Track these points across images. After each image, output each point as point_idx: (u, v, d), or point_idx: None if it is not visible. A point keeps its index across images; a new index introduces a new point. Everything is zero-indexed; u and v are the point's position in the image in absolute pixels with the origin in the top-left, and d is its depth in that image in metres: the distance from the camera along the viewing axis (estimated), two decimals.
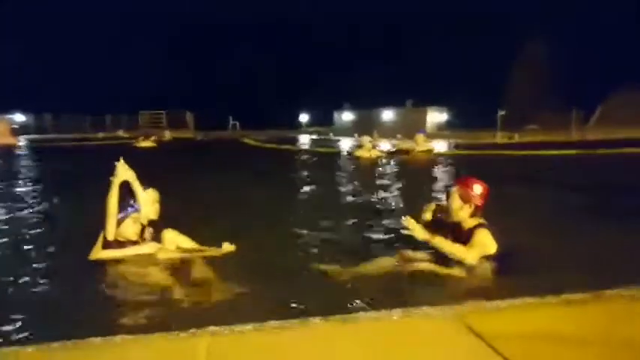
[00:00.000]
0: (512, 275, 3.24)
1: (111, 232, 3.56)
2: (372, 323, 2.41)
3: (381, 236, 4.50)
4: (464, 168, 10.56)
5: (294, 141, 23.02)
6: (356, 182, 8.86)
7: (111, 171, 3.62)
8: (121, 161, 3.67)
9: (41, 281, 3.36)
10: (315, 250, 4.07)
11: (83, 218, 4.39)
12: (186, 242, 3.80)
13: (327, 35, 47.46)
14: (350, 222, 5.16)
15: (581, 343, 2.12)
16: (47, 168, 12.45)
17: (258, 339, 2.22)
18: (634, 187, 6.83)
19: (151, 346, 2.17)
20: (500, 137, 20.86)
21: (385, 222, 5.02)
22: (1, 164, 13.71)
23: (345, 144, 19.83)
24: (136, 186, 3.70)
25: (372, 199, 6.75)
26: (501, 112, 23.02)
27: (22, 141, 24.34)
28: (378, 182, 8.54)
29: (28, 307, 2.97)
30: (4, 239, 4.59)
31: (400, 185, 8.23)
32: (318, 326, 2.33)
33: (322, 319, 2.39)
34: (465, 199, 3.48)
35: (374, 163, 11.87)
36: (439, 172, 10.40)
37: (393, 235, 4.39)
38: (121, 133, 28.27)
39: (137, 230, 3.68)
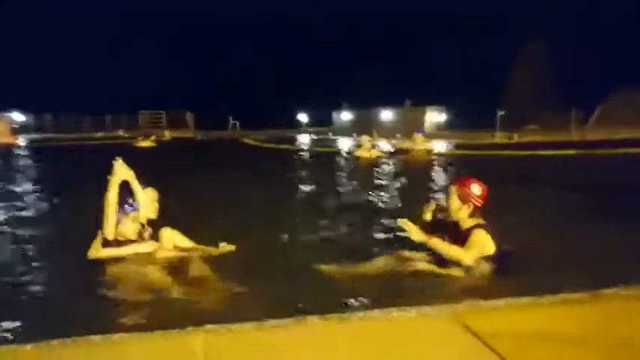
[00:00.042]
0: (510, 275, 3.25)
1: (110, 231, 3.57)
2: (369, 322, 2.42)
3: (379, 236, 4.50)
4: (463, 168, 10.56)
5: (293, 141, 23.01)
6: (355, 182, 8.87)
7: (109, 170, 3.63)
8: (119, 160, 3.67)
9: (40, 280, 3.37)
10: (314, 250, 4.07)
11: (83, 217, 4.40)
12: (184, 241, 3.81)
13: (327, 35, 47.40)
14: (348, 222, 5.17)
15: (578, 343, 2.13)
16: (47, 167, 12.45)
17: (255, 337, 2.22)
18: (633, 188, 6.83)
19: (149, 344, 2.18)
20: (499, 137, 20.87)
21: (384, 222, 5.03)
22: (0, 164, 13.71)
23: (344, 144, 19.82)
24: (135, 185, 3.71)
25: (371, 199, 6.76)
26: (501, 112, 23.00)
27: (21, 140, 24.33)
28: (377, 182, 8.55)
29: (27, 305, 2.99)
30: (4, 238, 4.60)
31: (399, 185, 8.24)
32: (315, 325, 2.34)
33: (320, 317, 2.39)
34: (464, 199, 3.49)
35: (373, 162, 11.87)
36: (438, 172, 10.41)
37: (391, 234, 4.40)
38: (120, 132, 28.29)
39: (136, 229, 3.69)
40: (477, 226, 3.44)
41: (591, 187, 7.17)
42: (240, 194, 7.24)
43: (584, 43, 30.88)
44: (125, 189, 3.66)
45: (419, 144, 13.64)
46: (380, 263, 3.55)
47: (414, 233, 3.46)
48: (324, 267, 3.49)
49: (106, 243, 3.58)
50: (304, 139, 24.71)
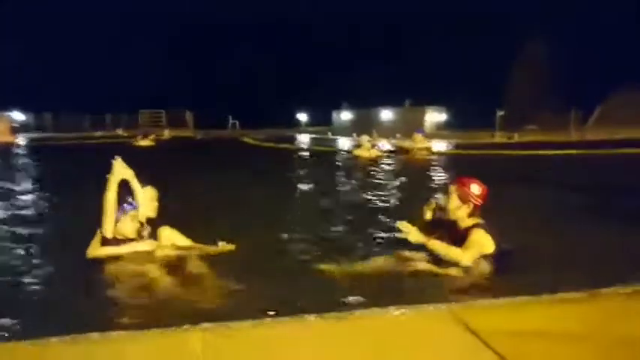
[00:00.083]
0: (509, 274, 3.26)
1: (109, 230, 3.57)
2: (367, 320, 2.42)
3: (378, 235, 4.50)
4: (462, 168, 10.56)
5: (293, 140, 23.02)
6: (354, 181, 8.88)
7: (108, 169, 3.63)
8: (118, 159, 3.68)
9: (39, 278, 3.37)
10: (313, 249, 4.07)
11: (82, 216, 4.39)
12: (183, 240, 3.81)
13: (327, 35, 47.38)
14: (348, 221, 5.17)
15: (576, 341, 2.13)
16: (46, 167, 12.45)
17: (253, 335, 2.22)
18: (632, 188, 6.84)
19: (147, 342, 2.17)
20: (499, 137, 20.88)
21: (383, 221, 5.03)
22: (0, 163, 13.71)
23: (344, 143, 19.82)
24: (135, 184, 3.71)
25: (371, 199, 6.76)
26: (500, 112, 23.04)
27: (21, 139, 24.33)
28: (377, 181, 8.56)
29: (26, 303, 2.99)
30: (3, 237, 4.60)
31: (398, 185, 8.24)
32: (313, 324, 2.34)
33: (317, 316, 2.39)
34: (463, 198, 3.49)
35: (373, 162, 11.88)
36: (437, 171, 10.41)
37: (390, 234, 4.39)
38: (120, 131, 28.28)
39: (135, 228, 3.69)
40: (476, 225, 3.44)
41: (591, 187, 7.18)
42: (239, 193, 7.24)
43: (584, 43, 30.89)
44: (124, 188, 3.66)
45: (419, 144, 13.65)
46: (379, 262, 3.55)
47: (413, 235, 3.48)
48: (323, 266, 3.49)
49: (105, 241, 3.58)
50: (304, 139, 24.71)
